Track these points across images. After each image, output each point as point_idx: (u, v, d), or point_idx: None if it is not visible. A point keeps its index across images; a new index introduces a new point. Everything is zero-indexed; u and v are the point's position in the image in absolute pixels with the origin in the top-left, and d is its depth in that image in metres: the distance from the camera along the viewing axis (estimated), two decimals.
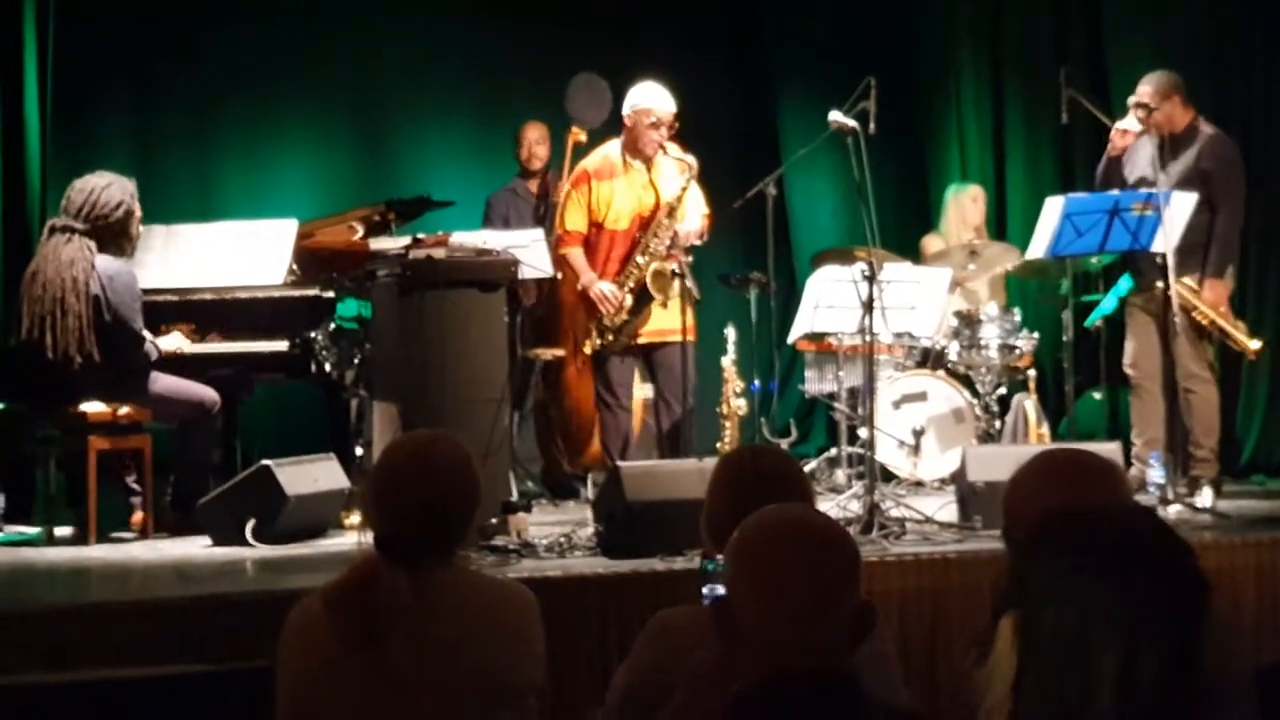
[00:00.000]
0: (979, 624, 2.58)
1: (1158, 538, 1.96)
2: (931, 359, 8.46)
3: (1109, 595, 1.87)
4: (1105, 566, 1.89)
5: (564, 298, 7.95)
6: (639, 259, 7.48)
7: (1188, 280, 7.24)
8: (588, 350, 7.61)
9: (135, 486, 6.95)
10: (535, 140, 8.79)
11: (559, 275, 7.79)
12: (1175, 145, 7.41)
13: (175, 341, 7.10)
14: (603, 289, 7.48)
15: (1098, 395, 8.73)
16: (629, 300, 7.48)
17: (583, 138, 8.42)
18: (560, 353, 8.11)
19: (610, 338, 7.53)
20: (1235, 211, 7.38)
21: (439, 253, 6.73)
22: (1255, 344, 7.37)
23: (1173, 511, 6.65)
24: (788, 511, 2.40)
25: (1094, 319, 8.23)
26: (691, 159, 7.44)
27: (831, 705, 2.20)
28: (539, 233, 7.87)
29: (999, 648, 1.95)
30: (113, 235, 6.84)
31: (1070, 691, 1.87)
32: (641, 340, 7.58)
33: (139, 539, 6.73)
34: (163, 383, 6.92)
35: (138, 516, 6.87)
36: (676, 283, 7.29)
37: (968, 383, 8.32)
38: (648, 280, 7.43)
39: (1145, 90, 7.34)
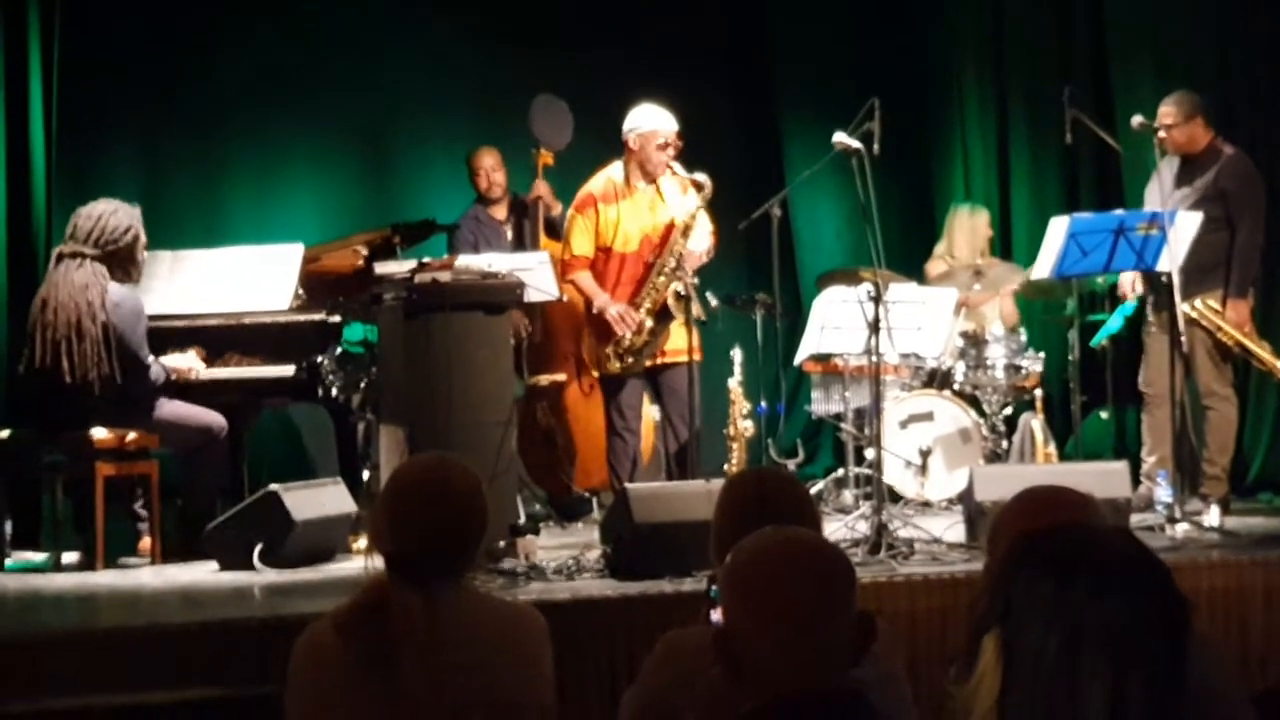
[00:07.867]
0: (956, 641, 2.60)
1: (1138, 558, 1.96)
2: (938, 379, 8.46)
3: (1095, 617, 1.88)
4: (1090, 588, 1.89)
5: (560, 323, 7.92)
6: (658, 279, 7.40)
7: (1211, 301, 7.24)
8: (611, 371, 7.51)
9: (142, 512, 6.97)
10: (491, 167, 8.68)
11: (563, 298, 7.77)
12: (1195, 166, 7.42)
13: (189, 361, 7.12)
14: (620, 311, 7.44)
15: (1104, 415, 8.72)
16: (649, 321, 7.43)
17: (550, 160, 8.45)
18: (560, 378, 8.08)
19: (630, 360, 7.45)
20: (1255, 230, 7.41)
21: (444, 276, 6.72)
22: None
23: (1180, 530, 6.63)
24: (779, 534, 2.39)
25: (1100, 338, 8.21)
26: (702, 177, 7.30)
27: None
28: (545, 255, 7.84)
29: (983, 665, 1.96)
30: (120, 261, 6.90)
31: (1059, 713, 1.88)
32: (647, 363, 7.54)
33: (146, 564, 6.74)
34: (170, 408, 6.93)
35: (145, 542, 6.88)
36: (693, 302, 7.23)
37: (974, 403, 8.31)
38: (669, 300, 7.36)
39: (1168, 110, 7.35)
